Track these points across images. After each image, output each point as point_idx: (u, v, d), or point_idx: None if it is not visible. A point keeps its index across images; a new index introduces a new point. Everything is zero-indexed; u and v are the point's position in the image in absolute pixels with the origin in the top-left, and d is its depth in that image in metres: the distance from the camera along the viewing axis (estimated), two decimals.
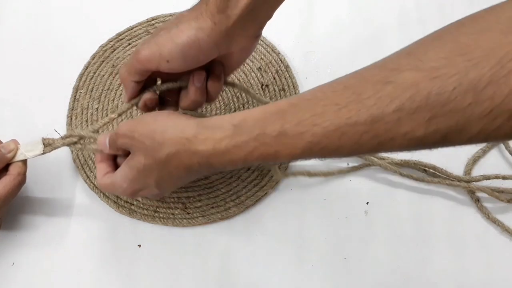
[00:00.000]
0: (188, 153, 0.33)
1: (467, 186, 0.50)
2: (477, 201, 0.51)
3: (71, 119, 0.55)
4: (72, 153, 0.52)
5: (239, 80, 0.57)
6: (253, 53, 0.58)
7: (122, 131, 0.38)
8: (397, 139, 0.27)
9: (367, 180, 0.52)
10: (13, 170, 0.43)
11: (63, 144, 0.44)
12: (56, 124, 0.54)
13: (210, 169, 0.35)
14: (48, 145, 0.44)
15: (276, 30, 0.60)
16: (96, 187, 0.51)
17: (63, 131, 0.54)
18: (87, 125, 0.54)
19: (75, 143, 0.44)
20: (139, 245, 0.49)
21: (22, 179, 0.44)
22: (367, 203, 0.51)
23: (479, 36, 0.26)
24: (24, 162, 0.44)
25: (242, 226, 0.50)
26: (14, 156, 0.43)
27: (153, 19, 0.61)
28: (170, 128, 0.35)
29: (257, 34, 0.40)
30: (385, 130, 0.27)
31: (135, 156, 0.37)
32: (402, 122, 0.27)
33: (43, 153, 0.44)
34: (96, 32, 0.59)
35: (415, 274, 0.48)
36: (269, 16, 0.39)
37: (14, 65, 0.58)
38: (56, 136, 0.44)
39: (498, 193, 0.50)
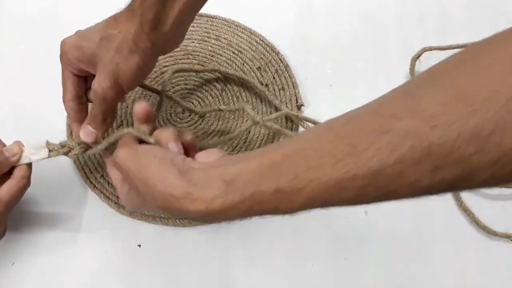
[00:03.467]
0: (179, 211, 0.31)
1: None
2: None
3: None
4: None
5: (238, 80, 0.57)
6: (252, 53, 0.59)
7: (119, 161, 0.35)
8: (402, 190, 0.26)
9: None
10: (17, 173, 0.43)
11: (64, 153, 0.43)
12: (56, 124, 0.54)
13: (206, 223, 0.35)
14: (53, 150, 0.43)
15: (276, 30, 0.60)
16: (96, 187, 0.51)
17: (63, 131, 0.54)
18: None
19: (81, 152, 0.43)
20: (139, 245, 0.49)
21: (26, 183, 0.43)
22: None
23: (480, 77, 0.24)
24: (29, 165, 0.43)
25: (243, 225, 0.50)
26: (18, 160, 0.43)
27: None
28: (159, 183, 0.32)
29: (184, 36, 0.44)
30: (387, 182, 0.26)
31: (131, 189, 0.36)
32: (405, 174, 0.25)
33: (48, 157, 0.43)
34: None
35: (415, 274, 0.48)
36: (192, 20, 0.43)
37: (14, 65, 0.58)
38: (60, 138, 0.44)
39: None
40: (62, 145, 0.43)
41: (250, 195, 0.29)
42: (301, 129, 0.55)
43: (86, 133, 0.42)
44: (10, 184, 0.42)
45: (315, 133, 0.30)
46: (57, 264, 0.48)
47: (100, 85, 0.40)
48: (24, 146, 0.43)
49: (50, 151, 0.43)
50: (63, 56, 0.41)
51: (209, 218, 0.31)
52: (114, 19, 0.41)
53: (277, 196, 0.28)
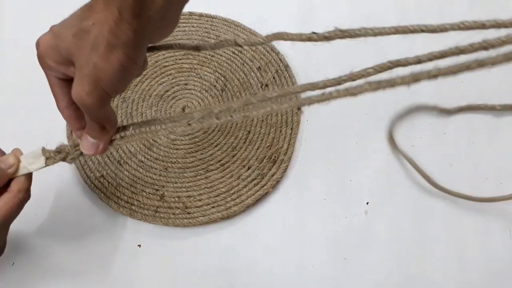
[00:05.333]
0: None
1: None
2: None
3: None
4: None
5: (238, 80, 0.57)
6: (252, 53, 0.59)
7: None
8: None
9: (367, 180, 0.52)
10: (14, 187, 0.39)
11: (62, 159, 0.41)
12: (56, 126, 0.54)
13: None
14: (50, 157, 0.40)
15: (276, 30, 0.60)
16: (96, 187, 0.51)
17: (63, 132, 0.54)
18: None
19: (78, 155, 0.40)
20: (139, 245, 0.49)
21: (23, 196, 0.39)
22: (367, 203, 0.51)
23: None
24: (28, 176, 0.40)
25: (243, 225, 0.50)
26: (16, 171, 0.39)
27: None
28: None
29: (178, 19, 0.36)
30: None
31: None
32: None
33: (46, 165, 0.40)
34: None
35: (415, 274, 0.48)
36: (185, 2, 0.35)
37: (14, 66, 0.57)
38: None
39: None
40: (58, 151, 0.41)
41: None
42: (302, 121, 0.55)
43: (86, 145, 0.38)
44: (6, 199, 0.38)
45: None
46: (56, 264, 0.48)
47: (77, 92, 0.33)
48: (22, 154, 0.40)
49: (47, 158, 0.40)
50: (40, 60, 0.35)
51: None
52: (89, 8, 0.33)
53: None
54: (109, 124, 0.37)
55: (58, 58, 0.34)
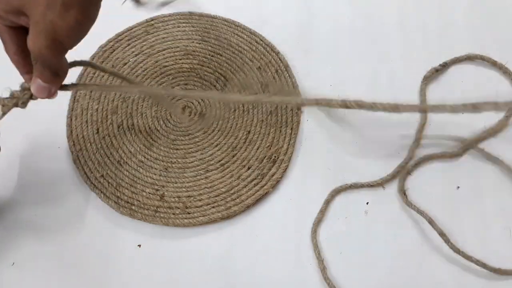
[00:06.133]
0: None
1: None
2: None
3: (71, 120, 0.55)
4: (73, 154, 0.53)
5: (238, 80, 0.57)
6: (252, 53, 0.59)
7: None
8: None
9: (367, 180, 0.52)
10: None
11: (15, 105, 0.41)
12: (56, 125, 0.54)
13: None
14: (5, 105, 0.41)
15: (276, 30, 0.60)
16: (96, 187, 0.51)
17: (63, 131, 0.54)
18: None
19: (27, 98, 0.41)
20: (139, 245, 0.49)
21: None
22: (367, 203, 0.51)
23: None
24: None
25: (243, 225, 0.50)
26: None
27: (152, 19, 0.61)
28: None
29: None
30: None
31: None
32: None
33: (3, 114, 0.41)
34: (95, 33, 0.59)
35: (415, 274, 0.48)
36: None
37: (13, 66, 0.57)
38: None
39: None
40: (11, 97, 0.41)
41: None
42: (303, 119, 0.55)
43: (37, 88, 0.38)
44: None
45: None
46: (56, 264, 0.48)
47: (35, 45, 0.34)
48: None
49: (2, 106, 0.41)
50: None
51: None
52: None
53: None
54: (62, 71, 0.38)
55: (8, 8, 0.35)
